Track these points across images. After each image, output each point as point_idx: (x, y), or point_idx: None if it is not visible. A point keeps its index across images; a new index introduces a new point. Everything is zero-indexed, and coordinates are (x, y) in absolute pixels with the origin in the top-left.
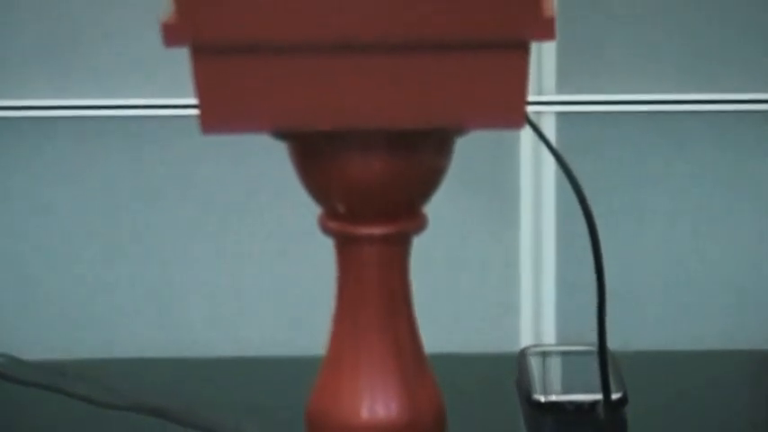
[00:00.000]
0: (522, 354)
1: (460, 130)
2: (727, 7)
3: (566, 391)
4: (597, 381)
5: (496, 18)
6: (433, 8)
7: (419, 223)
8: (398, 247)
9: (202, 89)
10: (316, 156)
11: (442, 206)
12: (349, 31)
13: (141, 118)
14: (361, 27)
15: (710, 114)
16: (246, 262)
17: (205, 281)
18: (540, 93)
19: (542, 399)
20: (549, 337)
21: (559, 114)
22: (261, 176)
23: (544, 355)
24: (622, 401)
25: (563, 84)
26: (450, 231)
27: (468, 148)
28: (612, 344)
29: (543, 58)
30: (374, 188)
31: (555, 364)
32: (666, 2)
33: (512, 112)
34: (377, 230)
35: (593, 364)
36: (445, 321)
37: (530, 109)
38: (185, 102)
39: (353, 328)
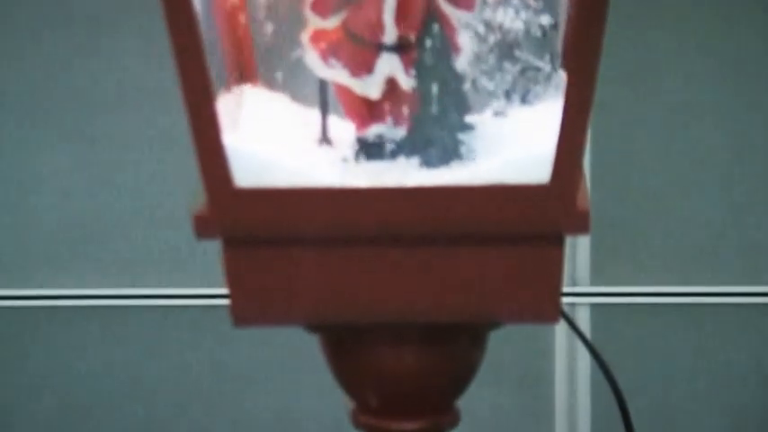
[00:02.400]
0: None
1: (494, 325)
2: (755, 200)
3: None
4: None
5: (531, 212)
6: (467, 203)
7: (452, 419)
8: None
9: (233, 282)
10: (347, 348)
11: (476, 401)
12: (381, 226)
13: (163, 307)
14: (393, 220)
15: (746, 306)
16: None
17: None
18: (574, 284)
19: None
20: None
21: (594, 306)
22: (287, 369)
23: None
24: None
25: (597, 275)
26: (483, 427)
27: (502, 342)
28: None
29: (577, 249)
30: (407, 382)
31: None
32: (696, 192)
33: (546, 307)
34: (409, 426)
35: None
36: None
37: (564, 300)
38: (213, 292)
39: None
